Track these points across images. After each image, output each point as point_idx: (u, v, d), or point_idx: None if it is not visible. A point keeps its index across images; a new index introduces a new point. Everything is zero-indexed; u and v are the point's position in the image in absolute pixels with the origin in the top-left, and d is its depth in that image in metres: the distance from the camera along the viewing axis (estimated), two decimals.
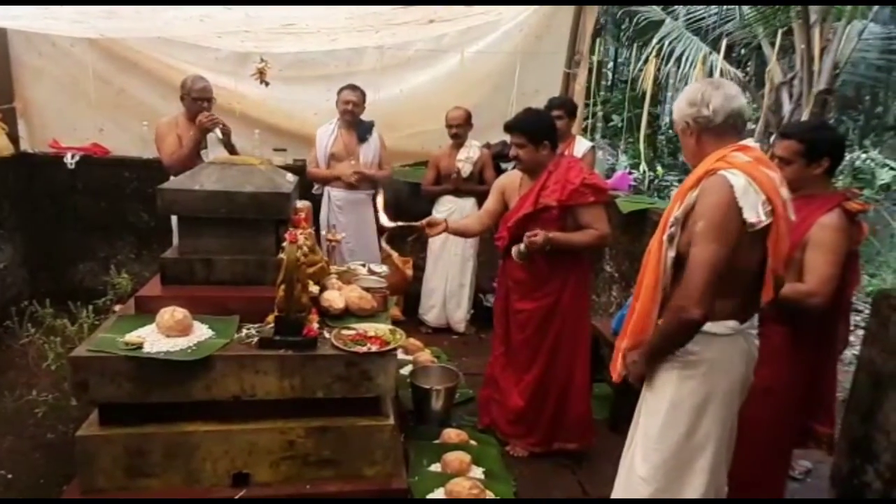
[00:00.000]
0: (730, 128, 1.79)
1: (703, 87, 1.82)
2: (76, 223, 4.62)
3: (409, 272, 4.43)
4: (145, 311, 2.37)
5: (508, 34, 4.85)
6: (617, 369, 2.00)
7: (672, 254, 1.79)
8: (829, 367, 2.34)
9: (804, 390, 2.26)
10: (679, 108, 1.86)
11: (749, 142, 1.80)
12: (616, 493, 2.07)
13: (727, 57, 6.62)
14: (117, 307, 2.82)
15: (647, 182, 4.81)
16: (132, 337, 2.17)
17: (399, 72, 4.85)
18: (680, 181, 8.73)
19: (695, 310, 1.66)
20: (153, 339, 2.19)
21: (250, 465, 2.27)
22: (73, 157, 4.36)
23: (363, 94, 4.16)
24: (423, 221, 2.93)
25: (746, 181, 1.68)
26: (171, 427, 2.21)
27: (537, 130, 2.75)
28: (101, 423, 2.20)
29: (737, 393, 1.86)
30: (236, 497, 2.23)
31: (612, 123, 9.03)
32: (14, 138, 4.38)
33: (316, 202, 4.28)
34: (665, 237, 1.80)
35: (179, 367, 2.11)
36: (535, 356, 2.90)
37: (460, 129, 4.21)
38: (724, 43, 3.85)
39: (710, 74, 5.30)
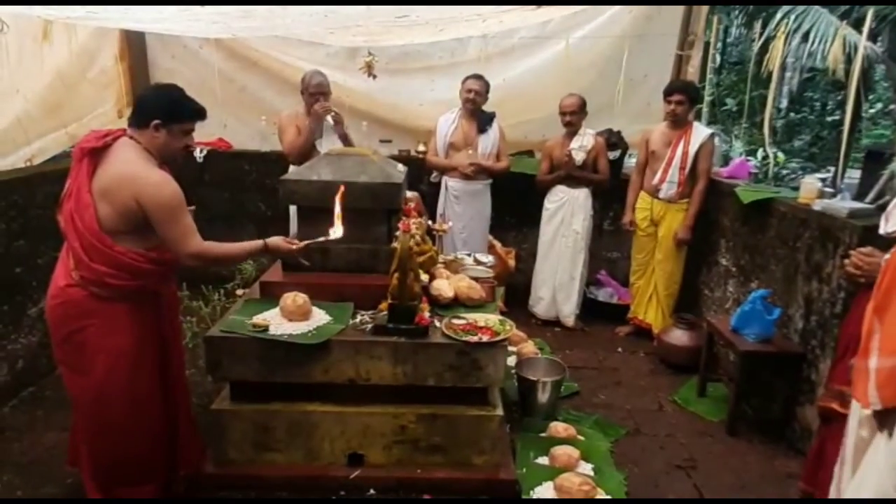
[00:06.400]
0: None
1: None
2: (203, 212, 4.96)
3: (512, 263, 4.42)
4: (268, 296, 2.52)
5: (616, 16, 4.66)
6: (868, 396, 1.62)
7: None
8: None
9: None
10: None
11: None
12: None
13: (857, 29, 5.98)
14: (239, 292, 3.01)
15: (769, 169, 4.42)
16: (259, 319, 2.32)
17: (502, 61, 4.79)
18: (803, 169, 8.02)
19: None
20: (277, 323, 2.32)
21: (364, 446, 2.37)
22: (201, 151, 4.71)
23: (487, 84, 4.14)
24: None
25: None
26: (293, 406, 2.34)
27: None
28: (233, 399, 2.37)
29: None
30: (351, 476, 2.34)
31: (725, 107, 8.44)
32: None
33: (433, 190, 4.35)
34: None
35: (301, 349, 2.23)
36: None
37: (574, 116, 4.08)
38: (869, 14, 3.43)
39: (848, 52, 4.81)
